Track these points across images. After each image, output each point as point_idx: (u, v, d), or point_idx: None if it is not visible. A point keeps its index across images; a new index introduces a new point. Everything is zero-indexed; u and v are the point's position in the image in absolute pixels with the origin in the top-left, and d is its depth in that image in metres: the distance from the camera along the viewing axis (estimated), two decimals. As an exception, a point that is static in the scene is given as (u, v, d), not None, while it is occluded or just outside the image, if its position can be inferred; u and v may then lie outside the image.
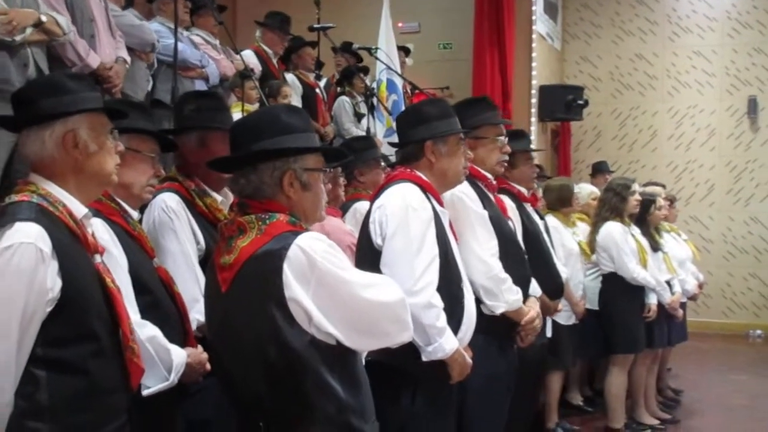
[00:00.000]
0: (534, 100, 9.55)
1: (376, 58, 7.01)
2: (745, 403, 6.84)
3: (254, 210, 2.19)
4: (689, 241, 7.27)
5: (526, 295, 3.55)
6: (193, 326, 2.62)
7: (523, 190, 4.24)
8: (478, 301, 3.23)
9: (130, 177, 2.52)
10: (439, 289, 2.83)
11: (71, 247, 1.98)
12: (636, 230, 5.73)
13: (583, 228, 5.92)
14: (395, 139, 3.29)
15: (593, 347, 5.85)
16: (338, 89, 7.52)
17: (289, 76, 6.80)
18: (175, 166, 3.06)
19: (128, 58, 4.39)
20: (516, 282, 3.41)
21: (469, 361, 2.95)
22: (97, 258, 2.09)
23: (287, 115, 2.29)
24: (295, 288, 2.05)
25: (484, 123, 3.52)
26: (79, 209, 2.06)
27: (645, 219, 5.91)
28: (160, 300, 2.50)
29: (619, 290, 5.58)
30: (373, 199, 3.06)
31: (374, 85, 7.39)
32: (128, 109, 2.47)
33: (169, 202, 2.82)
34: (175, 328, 2.51)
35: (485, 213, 3.39)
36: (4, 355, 1.83)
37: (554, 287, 4.23)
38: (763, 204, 10.37)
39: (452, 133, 3.08)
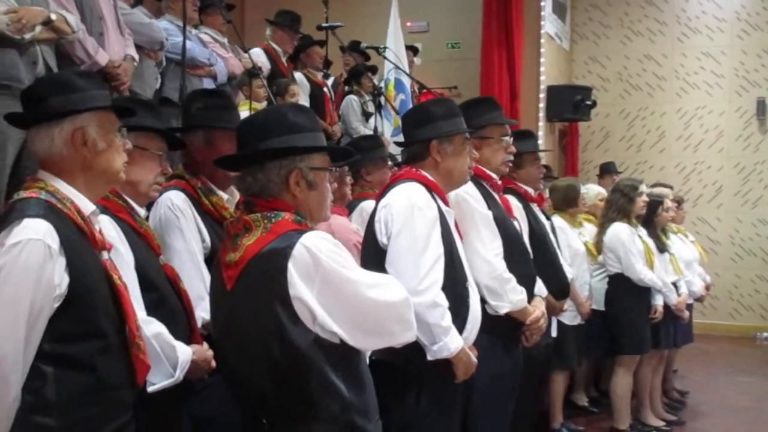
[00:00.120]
0: (542, 100, 9.54)
1: (384, 58, 7.02)
2: (750, 405, 6.82)
3: (260, 208, 2.21)
4: (696, 243, 7.26)
5: (530, 295, 3.56)
6: (199, 324, 2.63)
7: (530, 190, 4.24)
8: (483, 301, 3.23)
9: (137, 175, 2.53)
10: (444, 289, 2.83)
11: (79, 244, 1.99)
12: (643, 231, 5.73)
13: (589, 228, 5.92)
14: (402, 138, 3.30)
15: (599, 348, 5.85)
16: (346, 88, 7.53)
17: (298, 75, 6.81)
18: (182, 164, 3.07)
19: (136, 56, 4.42)
20: (520, 282, 3.42)
21: (474, 360, 2.95)
22: (105, 255, 2.11)
23: (294, 114, 2.30)
24: (299, 287, 2.06)
25: (490, 123, 3.53)
26: (86, 206, 2.08)
27: (652, 220, 5.91)
28: (166, 297, 2.51)
29: (625, 291, 5.58)
30: (378, 199, 3.07)
31: (382, 84, 7.40)
32: (136, 107, 2.49)
33: (175, 200, 2.83)
34: (181, 325, 2.52)
35: (489, 213, 3.39)
36: (11, 351, 1.85)
37: (560, 287, 4.23)
38: (771, 206, 10.35)
39: (458, 133, 3.09)
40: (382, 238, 2.91)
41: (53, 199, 2.00)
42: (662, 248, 5.92)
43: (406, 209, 2.86)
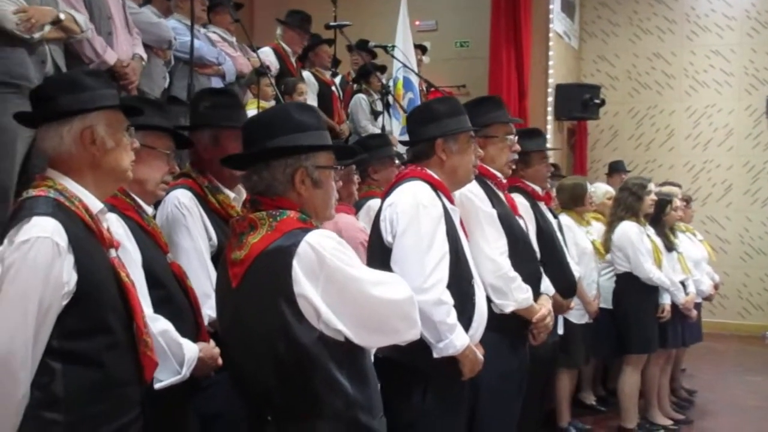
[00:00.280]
0: (550, 99, 9.52)
1: (392, 56, 7.03)
2: (759, 404, 6.80)
3: (265, 207, 2.22)
4: (705, 242, 7.24)
5: (536, 293, 3.56)
6: (206, 321, 2.65)
7: (537, 188, 4.24)
8: (489, 300, 3.24)
9: (144, 173, 2.54)
10: (450, 287, 2.84)
11: (87, 242, 2.01)
12: (651, 230, 5.72)
13: (597, 227, 5.90)
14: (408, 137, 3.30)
15: (607, 346, 5.84)
16: (355, 86, 7.54)
17: (306, 74, 6.83)
18: (189, 163, 3.09)
19: (145, 55, 4.44)
20: (526, 280, 3.42)
21: (481, 357, 2.96)
22: (112, 252, 2.13)
23: (299, 112, 2.31)
24: (304, 284, 2.07)
25: (494, 121, 3.53)
26: (94, 204, 2.10)
27: (660, 219, 5.90)
28: (173, 294, 2.53)
29: (633, 290, 5.58)
30: (383, 197, 3.07)
31: (390, 83, 7.40)
32: (144, 106, 2.50)
33: (182, 198, 2.85)
34: (188, 322, 2.54)
35: (494, 212, 3.40)
36: (20, 348, 1.86)
37: (567, 286, 4.23)
38: (781, 205, 10.31)
39: (463, 131, 3.09)
40: (387, 237, 2.92)
41: (62, 197, 2.02)
42: (670, 247, 5.91)
43: (411, 208, 2.87)
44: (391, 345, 2.46)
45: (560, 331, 4.59)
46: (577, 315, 5.32)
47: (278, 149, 2.23)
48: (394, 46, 7.22)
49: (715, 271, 7.14)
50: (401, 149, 5.07)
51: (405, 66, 7.15)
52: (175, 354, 2.35)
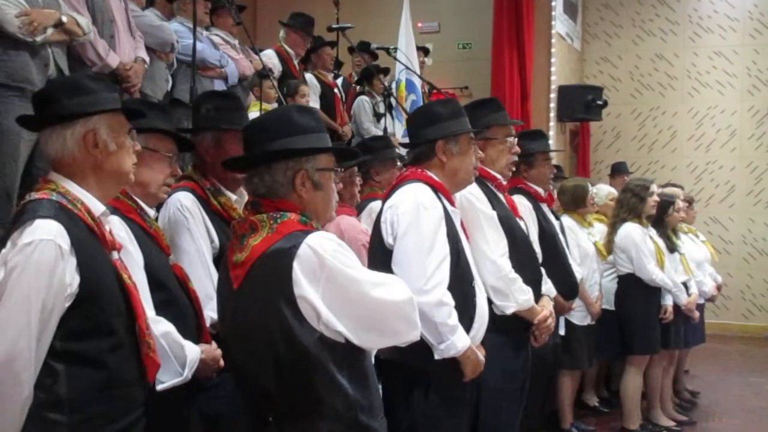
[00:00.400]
0: (553, 100, 9.52)
1: (395, 58, 7.04)
2: (763, 405, 6.79)
3: (266, 209, 2.23)
4: (708, 243, 7.23)
5: (537, 295, 3.57)
6: (208, 323, 2.66)
7: (540, 190, 4.25)
8: (490, 301, 3.24)
9: (147, 176, 2.56)
10: (451, 288, 2.85)
11: (89, 244, 2.02)
12: (653, 231, 5.72)
13: (599, 228, 5.90)
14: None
15: (609, 348, 5.83)
16: (358, 88, 7.56)
17: (308, 76, 6.85)
18: (191, 165, 3.10)
19: (147, 58, 4.45)
20: (527, 282, 3.43)
21: (482, 359, 2.96)
22: (115, 254, 2.14)
23: (299, 115, 2.32)
24: (304, 286, 2.08)
25: (494, 123, 3.53)
26: (97, 207, 2.11)
27: (663, 220, 5.90)
28: (175, 296, 2.54)
29: (635, 291, 5.58)
30: (384, 199, 3.08)
31: (393, 85, 7.41)
32: (146, 109, 2.52)
33: (184, 201, 2.86)
34: (190, 324, 2.55)
35: (494, 213, 3.40)
36: (24, 350, 1.88)
37: (569, 287, 4.24)
38: (784, 206, 10.30)
39: (463, 133, 3.10)
40: (388, 239, 2.92)
41: (64, 200, 2.03)
42: (672, 248, 5.91)
43: (412, 209, 2.88)
44: (392, 346, 2.47)
45: (561, 332, 4.59)
46: (580, 316, 5.32)
47: (279, 152, 2.24)
48: (396, 48, 7.24)
49: (719, 273, 7.14)
50: (403, 151, 5.08)
51: (407, 68, 7.16)
52: (177, 356, 2.37)
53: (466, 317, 2.92)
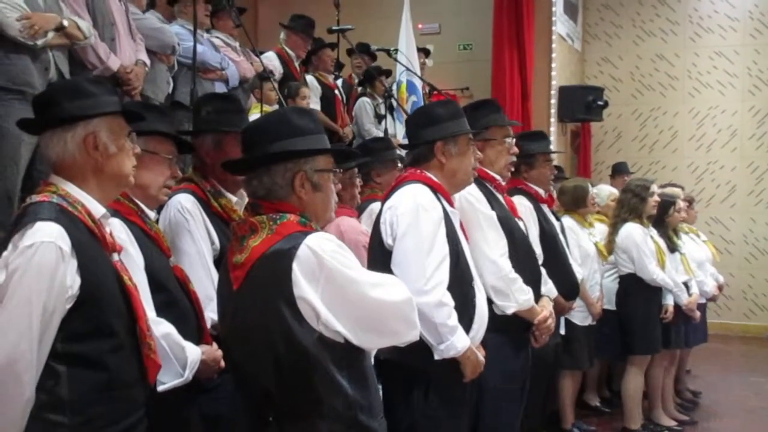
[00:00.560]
0: (554, 101, 9.52)
1: (395, 60, 7.05)
2: (764, 405, 6.79)
3: (266, 210, 2.24)
4: (709, 242, 7.23)
5: (537, 295, 3.58)
6: (208, 324, 2.66)
7: (540, 190, 4.26)
8: (490, 302, 3.25)
9: (147, 178, 2.57)
10: (451, 289, 2.86)
11: (90, 246, 2.03)
12: (653, 231, 5.73)
13: (600, 229, 5.90)
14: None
15: (610, 348, 5.84)
16: (359, 89, 7.57)
17: (309, 78, 6.86)
18: (192, 167, 3.12)
19: (148, 61, 4.46)
20: (526, 282, 3.44)
21: (482, 359, 2.97)
22: (115, 256, 2.15)
23: (298, 117, 2.33)
24: (304, 287, 2.09)
25: (492, 124, 3.54)
26: (97, 209, 2.12)
27: (663, 220, 5.90)
28: (176, 298, 2.55)
29: (636, 291, 5.59)
30: (384, 200, 3.09)
31: (394, 86, 7.42)
32: (146, 111, 2.53)
33: (184, 203, 2.87)
34: (191, 325, 2.56)
35: (493, 214, 3.41)
36: (26, 352, 1.89)
37: (570, 288, 4.25)
38: (786, 206, 10.29)
39: (462, 133, 3.11)
40: (387, 240, 2.93)
41: (65, 202, 2.04)
42: (673, 248, 5.92)
43: (411, 210, 2.89)
44: (392, 346, 2.48)
45: (562, 331, 4.60)
46: (581, 317, 5.32)
47: (278, 154, 2.25)
48: (397, 50, 7.25)
49: (720, 273, 7.13)
50: (404, 152, 5.09)
51: (408, 69, 7.17)
52: (178, 357, 2.38)
53: (466, 318, 2.93)
